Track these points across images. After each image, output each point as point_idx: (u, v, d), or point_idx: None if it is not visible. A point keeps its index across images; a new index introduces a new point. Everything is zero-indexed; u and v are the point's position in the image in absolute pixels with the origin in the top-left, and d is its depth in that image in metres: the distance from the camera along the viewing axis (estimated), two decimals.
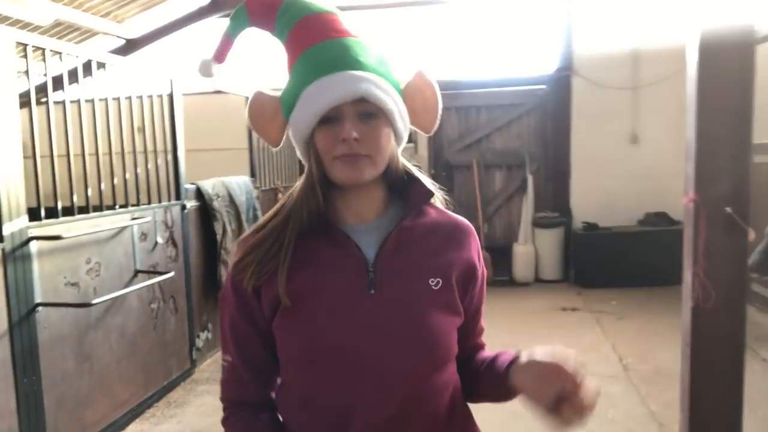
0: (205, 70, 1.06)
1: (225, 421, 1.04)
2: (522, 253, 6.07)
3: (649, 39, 5.85)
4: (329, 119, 0.93)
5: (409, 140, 1.07)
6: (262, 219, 1.03)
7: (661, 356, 3.87)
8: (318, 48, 0.94)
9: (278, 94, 1.00)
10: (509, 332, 4.34)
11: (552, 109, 6.23)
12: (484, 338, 1.13)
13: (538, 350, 0.90)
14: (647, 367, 3.68)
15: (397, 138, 0.99)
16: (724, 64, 1.92)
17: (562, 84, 6.15)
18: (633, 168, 5.99)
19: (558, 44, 6.20)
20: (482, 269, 1.06)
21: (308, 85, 0.93)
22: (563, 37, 6.15)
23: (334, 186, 0.97)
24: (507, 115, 6.33)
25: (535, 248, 6.09)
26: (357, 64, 0.93)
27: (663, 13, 5.75)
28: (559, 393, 0.83)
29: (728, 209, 1.93)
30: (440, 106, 1.01)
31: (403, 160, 1.03)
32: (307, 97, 0.93)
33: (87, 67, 3.11)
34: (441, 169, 6.35)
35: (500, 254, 6.08)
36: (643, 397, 3.26)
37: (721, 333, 1.91)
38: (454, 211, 1.09)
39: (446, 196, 1.09)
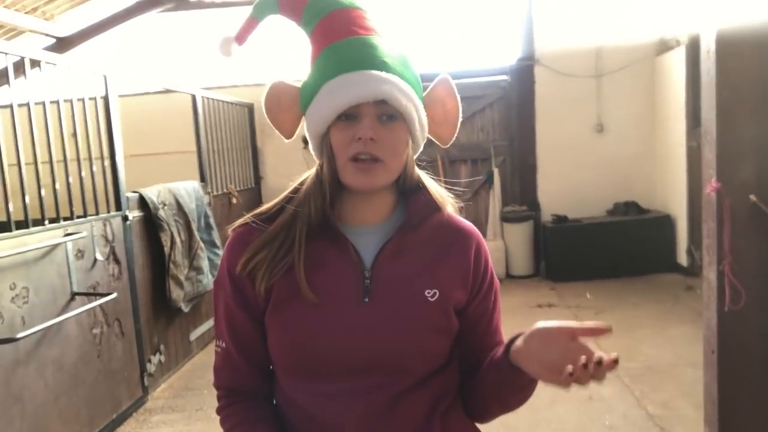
0: (225, 49, 1.04)
1: (220, 411, 1.02)
2: (491, 249, 5.76)
3: (610, 34, 5.74)
4: (347, 116, 0.91)
5: None
6: (262, 208, 1.01)
7: (647, 351, 3.70)
8: (343, 44, 0.93)
9: (298, 84, 0.98)
10: None
11: (516, 100, 6.04)
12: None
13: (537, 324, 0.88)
14: (636, 364, 3.50)
15: (414, 146, 0.97)
16: (745, 36, 1.70)
17: (524, 74, 5.96)
18: (600, 157, 5.87)
19: (519, 34, 6.02)
20: (490, 277, 1.02)
21: (330, 80, 0.91)
22: (524, 26, 5.97)
23: (343, 186, 0.95)
24: (470, 107, 6.10)
25: (504, 243, 5.90)
26: (382, 65, 0.91)
27: (624, 10, 5.68)
28: (565, 353, 0.81)
29: (753, 197, 1.72)
30: (460, 117, 1.00)
31: (418, 170, 1.02)
32: (328, 91, 0.91)
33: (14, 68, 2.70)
34: None
35: None
36: (638, 398, 3.07)
37: (752, 337, 1.70)
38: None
39: (459, 203, 1.06)
